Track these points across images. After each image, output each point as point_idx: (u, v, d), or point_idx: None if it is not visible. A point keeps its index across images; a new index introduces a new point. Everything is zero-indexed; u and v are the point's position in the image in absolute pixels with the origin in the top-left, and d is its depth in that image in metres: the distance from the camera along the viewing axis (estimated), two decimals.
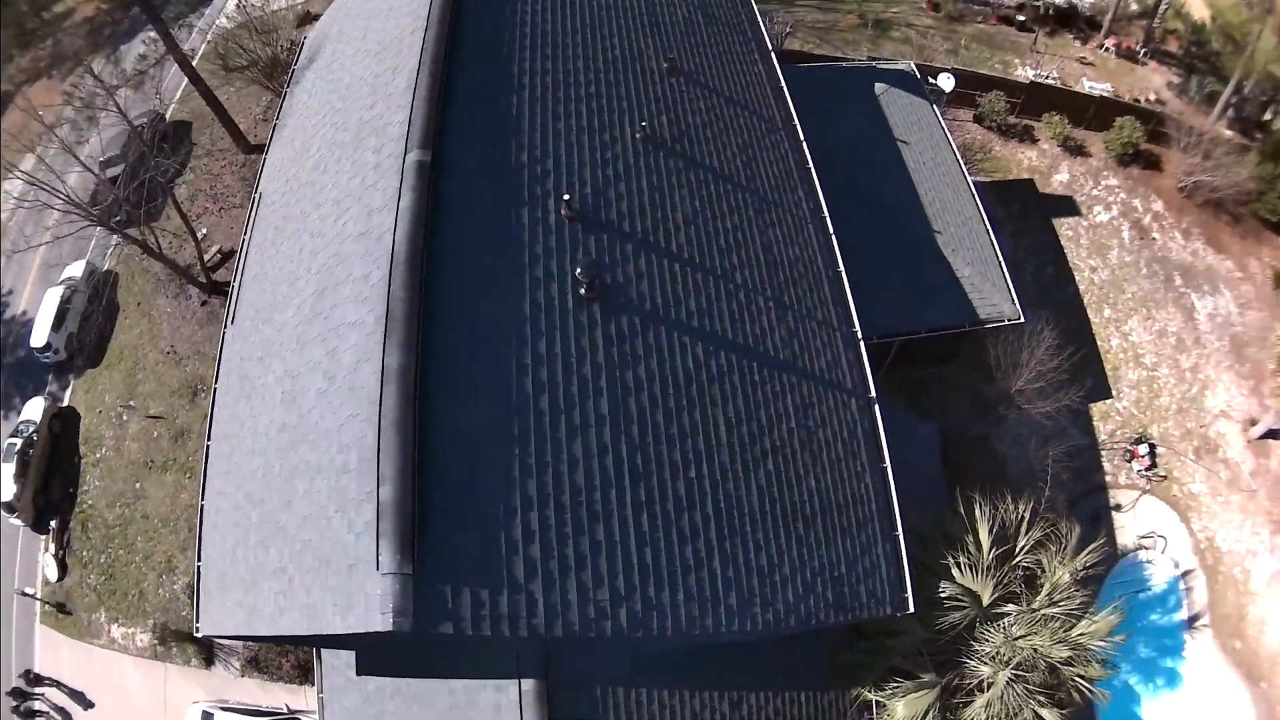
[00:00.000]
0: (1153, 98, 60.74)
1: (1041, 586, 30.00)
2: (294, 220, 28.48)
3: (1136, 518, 46.34)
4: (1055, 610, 29.26)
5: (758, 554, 23.21)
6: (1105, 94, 58.98)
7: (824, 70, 46.22)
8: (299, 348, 24.19)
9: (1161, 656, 45.11)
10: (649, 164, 27.99)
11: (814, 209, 31.15)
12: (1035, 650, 28.79)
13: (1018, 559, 30.28)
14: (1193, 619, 45.10)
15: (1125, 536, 45.67)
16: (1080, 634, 29.58)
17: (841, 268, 30.11)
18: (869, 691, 28.28)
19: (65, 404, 48.34)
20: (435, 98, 25.31)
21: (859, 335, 29.02)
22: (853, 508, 25.79)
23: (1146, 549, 45.84)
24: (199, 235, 48.97)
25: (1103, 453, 47.23)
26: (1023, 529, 30.77)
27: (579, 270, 23.54)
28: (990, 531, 29.75)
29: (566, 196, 24.75)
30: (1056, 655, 28.77)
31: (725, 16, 36.15)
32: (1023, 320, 40.08)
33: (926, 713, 27.77)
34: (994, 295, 40.04)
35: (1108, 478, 46.77)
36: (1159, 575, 46.11)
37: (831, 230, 30.90)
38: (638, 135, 28.25)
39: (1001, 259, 41.67)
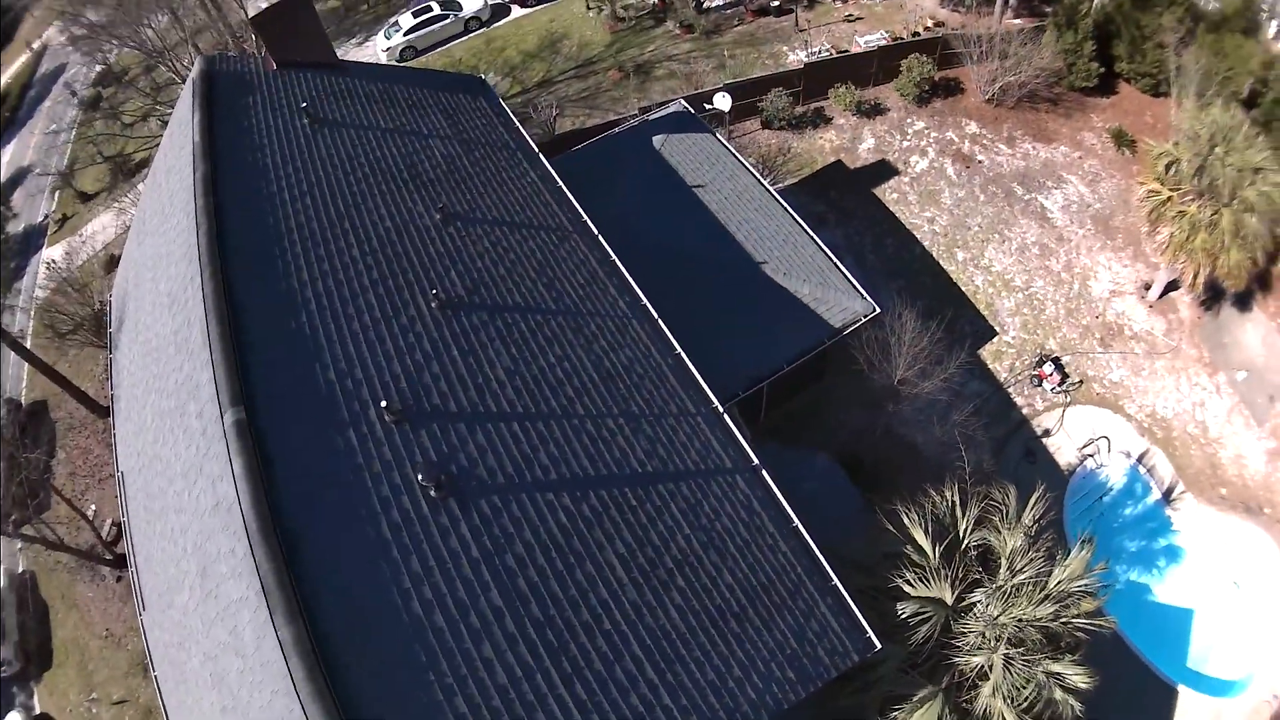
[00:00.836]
0: (930, 24, 61.52)
1: (999, 562, 30.03)
2: (157, 498, 27.38)
3: (1070, 433, 46.43)
4: (1022, 576, 29.24)
5: (702, 670, 22.81)
6: (881, 42, 59.66)
7: (597, 145, 46.10)
8: (205, 630, 23.24)
9: (1155, 544, 45.49)
10: (453, 330, 27.61)
11: (631, 302, 31.06)
12: (1019, 621, 28.75)
13: (965, 544, 30.32)
14: (1168, 494, 45.52)
15: (1067, 456, 45.72)
16: (1057, 584, 29.56)
17: (678, 349, 30.02)
18: None
19: (39, 712, 47.51)
20: (230, 348, 24.32)
21: (720, 409, 28.87)
22: (779, 580, 25.49)
23: (1093, 456, 46.02)
24: (90, 514, 48.63)
25: (1010, 391, 47.19)
26: (959, 513, 30.83)
27: (420, 476, 23.10)
28: (927, 532, 29.76)
29: (384, 403, 24.22)
30: (1043, 615, 28.78)
31: (484, 136, 36.22)
32: (878, 310, 39.64)
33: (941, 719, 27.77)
34: (842, 299, 39.36)
35: (1024, 411, 46.71)
36: (1116, 474, 46.45)
37: (655, 315, 30.85)
38: (433, 305, 27.90)
39: (836, 260, 41.37)
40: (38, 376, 55.30)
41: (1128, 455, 46.27)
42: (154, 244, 31.92)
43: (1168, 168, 45.52)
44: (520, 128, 37.71)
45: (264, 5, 33.14)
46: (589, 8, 64.18)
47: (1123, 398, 47.25)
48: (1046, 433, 46.11)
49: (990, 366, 47.55)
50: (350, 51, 65.44)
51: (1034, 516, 30.44)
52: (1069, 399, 46.83)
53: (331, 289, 27.42)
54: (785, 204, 43.14)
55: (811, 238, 41.56)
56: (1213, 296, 50.66)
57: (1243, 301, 51.22)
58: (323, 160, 31.52)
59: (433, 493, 23.07)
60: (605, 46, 62.24)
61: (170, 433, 26.51)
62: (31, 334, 59.40)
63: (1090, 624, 29.80)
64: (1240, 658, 42.87)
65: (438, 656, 20.87)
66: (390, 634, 20.94)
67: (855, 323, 38.69)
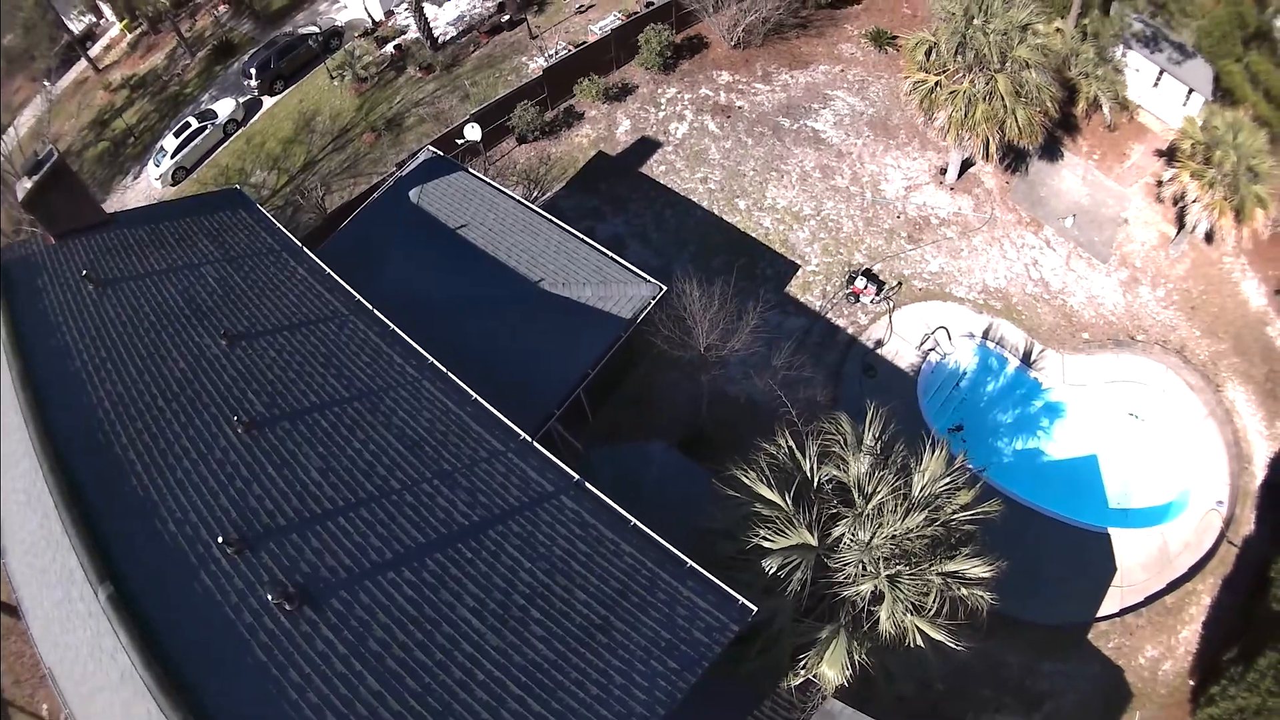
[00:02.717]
0: None
1: (852, 489, 30.97)
2: (84, 682, 26.83)
3: (904, 336, 47.61)
4: (879, 497, 30.16)
5: (584, 689, 23.72)
6: (616, 23, 60.91)
7: (359, 216, 46.44)
8: None
9: (1031, 410, 47.29)
10: (262, 448, 28.41)
11: (418, 365, 31.93)
12: (893, 539, 29.72)
13: (816, 483, 31.19)
14: (1028, 359, 47.21)
15: (908, 359, 46.90)
16: (920, 491, 30.55)
17: (474, 395, 31.00)
18: (792, 679, 29.26)
19: None
20: (84, 531, 25.18)
21: (529, 439, 29.96)
22: (633, 581, 26.52)
23: (935, 350, 47.24)
24: (44, 715, 48.66)
25: (829, 316, 48.34)
26: (799, 456, 31.64)
27: (271, 596, 24.09)
28: (770, 484, 30.53)
29: (220, 539, 25.09)
30: (915, 525, 29.71)
31: (249, 248, 36.80)
32: (663, 289, 40.27)
33: (850, 657, 28.29)
34: (626, 290, 40.37)
35: (850, 331, 47.85)
36: (965, 359, 47.89)
37: (444, 369, 31.81)
38: (239, 430, 28.68)
39: (611, 254, 42.07)
40: None
41: (972, 336, 47.70)
42: (4, 446, 32.68)
43: (927, 54, 47.22)
44: (281, 229, 38.17)
45: (29, 186, 33.73)
46: (332, 78, 64.72)
47: (948, 284, 48.81)
48: (879, 344, 47.22)
49: (803, 299, 48.75)
50: (127, 189, 65.11)
51: (874, 434, 31.22)
52: (892, 304, 48.05)
53: (149, 443, 28.32)
54: (549, 216, 44.02)
55: (582, 240, 42.47)
56: (1016, 158, 52.89)
57: (1050, 151, 53.56)
58: (113, 321, 32.18)
59: (287, 607, 23.97)
60: (356, 111, 62.82)
61: (69, 620, 27.18)
62: None
63: (972, 515, 30.75)
64: (1167, 481, 44.84)
65: None
66: None
67: (645, 308, 39.82)
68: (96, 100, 75.88)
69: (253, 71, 66.38)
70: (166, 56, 77.06)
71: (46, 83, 75.94)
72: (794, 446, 31.73)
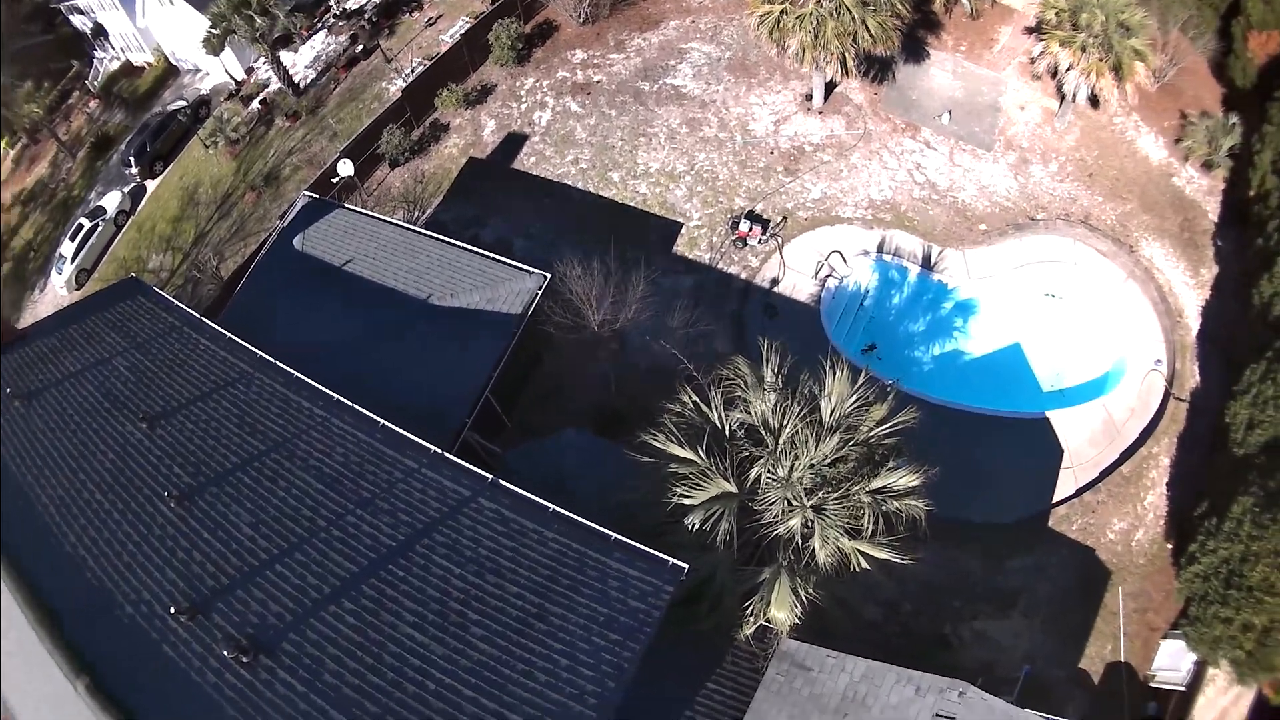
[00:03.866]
0: None
1: (760, 429, 31.54)
2: None
3: (798, 269, 48.23)
4: (788, 430, 30.67)
5: (532, 678, 24.53)
6: (466, 27, 61.49)
7: (251, 275, 46.89)
8: None
9: (943, 312, 47.93)
10: (195, 517, 29.42)
11: (325, 404, 32.85)
12: (811, 468, 30.29)
13: (728, 430, 31.67)
14: (928, 262, 47.87)
15: (807, 289, 47.57)
16: (831, 415, 31.06)
17: (381, 421, 31.91)
18: (745, 628, 29.72)
19: None
20: (54, 633, 26.86)
21: (439, 450, 30.87)
22: (561, 565, 27.35)
23: (832, 275, 47.93)
24: None
25: (720, 266, 48.95)
26: (705, 407, 32.14)
27: (227, 652, 25.14)
28: (681, 442, 30.89)
29: (172, 609, 26.35)
30: (829, 450, 30.25)
31: (153, 331, 37.62)
32: (546, 276, 40.75)
33: (796, 594, 28.64)
34: (512, 286, 40.97)
35: (744, 276, 48.48)
36: (864, 277, 48.53)
37: (349, 403, 32.87)
38: (172, 505, 29.79)
39: (490, 255, 42.79)
40: None
41: (867, 253, 48.29)
42: None
43: None
44: (180, 305, 38.86)
45: None
46: (206, 147, 64.98)
47: (834, 207, 49.46)
48: (775, 282, 47.80)
49: (691, 256, 49.38)
50: (37, 303, 65.36)
51: (773, 370, 31.54)
52: (780, 240, 48.61)
53: (94, 535, 29.57)
54: (427, 232, 44.85)
55: (462, 248, 43.27)
56: (880, 68, 53.34)
57: (915, 53, 54.13)
58: (41, 430, 33.39)
59: (244, 659, 25.12)
60: (234, 174, 63.04)
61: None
62: None
63: (890, 427, 31.20)
64: (1098, 353, 45.42)
65: None
66: None
67: (533, 299, 40.45)
68: None
69: (131, 159, 66.59)
70: (50, 164, 77.17)
71: None
72: (698, 400, 32.23)
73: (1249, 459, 36.00)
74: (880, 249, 48.60)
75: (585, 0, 58.29)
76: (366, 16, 67.22)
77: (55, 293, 64.98)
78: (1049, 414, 43.24)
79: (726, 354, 40.32)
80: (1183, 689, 36.70)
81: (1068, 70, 47.66)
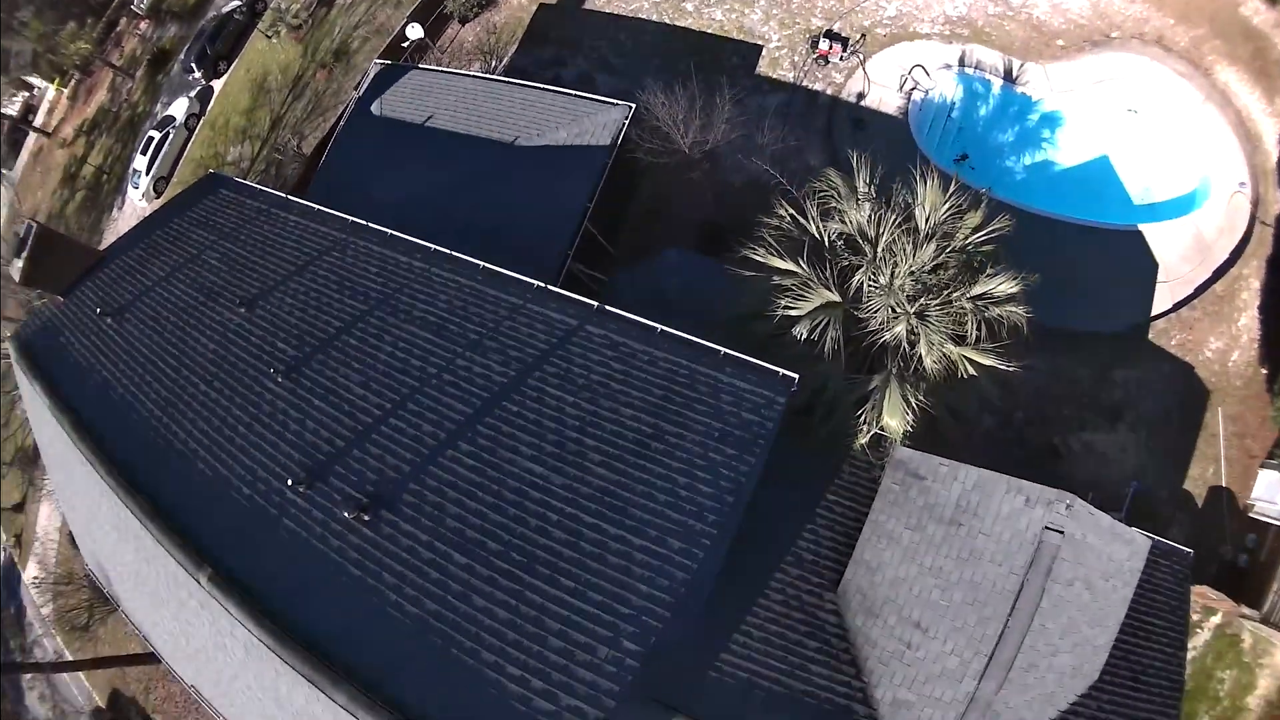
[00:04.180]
0: None
1: (858, 238, 31.54)
2: (222, 683, 30.61)
3: (882, 83, 47.75)
4: (885, 238, 30.71)
5: (652, 499, 24.76)
6: None
7: (334, 147, 47.17)
8: None
9: (1029, 124, 47.26)
10: (305, 387, 29.80)
11: (424, 255, 33.07)
12: (911, 274, 30.37)
13: (827, 241, 31.80)
14: (1010, 76, 47.01)
15: (893, 103, 47.26)
16: (925, 221, 30.99)
17: (480, 264, 32.20)
18: (861, 438, 30.10)
19: None
20: (171, 532, 27.21)
21: (541, 284, 31.16)
22: (673, 384, 27.43)
23: (917, 88, 47.41)
24: None
25: (805, 85, 48.65)
26: (802, 220, 32.21)
27: (348, 514, 25.57)
28: (781, 255, 31.13)
29: (290, 481, 26.77)
30: (927, 257, 30.36)
31: (237, 220, 37.85)
32: (631, 105, 40.96)
33: (907, 401, 29.19)
34: (598, 119, 41.02)
35: (830, 92, 48.28)
36: (949, 90, 47.87)
37: (447, 250, 33.15)
38: (279, 380, 30.21)
39: (574, 92, 43.02)
40: (95, 675, 57.58)
41: (949, 67, 47.59)
42: (81, 502, 34.83)
43: None
44: (262, 189, 39.05)
45: (20, 265, 35.39)
46: (269, 37, 64.84)
47: (910, 24, 48.58)
48: (861, 96, 47.59)
49: (775, 76, 49.21)
50: (117, 220, 66.31)
51: (865, 180, 31.41)
52: (862, 56, 48.14)
53: (204, 428, 29.95)
54: (505, 79, 45.25)
55: (544, 89, 43.51)
56: None
57: None
58: (138, 339, 33.73)
59: (365, 518, 25.62)
60: (302, 57, 63.00)
61: (190, 625, 29.38)
62: (65, 646, 61.43)
63: (985, 234, 31.10)
64: (1184, 170, 44.49)
65: (453, 626, 23.58)
66: (422, 634, 23.66)
67: (621, 130, 40.66)
68: (57, 161, 77.14)
69: (193, 65, 66.62)
70: (109, 90, 77.34)
71: (3, 170, 77.01)
72: (794, 213, 32.17)
73: None
74: (961, 63, 47.90)
75: None
76: None
77: (134, 206, 65.79)
78: (1141, 226, 43.05)
79: (819, 167, 40.89)
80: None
81: None
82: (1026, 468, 36.30)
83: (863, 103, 47.52)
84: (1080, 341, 40.28)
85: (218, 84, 67.64)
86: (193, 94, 67.77)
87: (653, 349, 28.39)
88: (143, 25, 78.83)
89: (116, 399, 32.04)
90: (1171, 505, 37.88)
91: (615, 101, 41.28)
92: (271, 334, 32.24)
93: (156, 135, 64.47)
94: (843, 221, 31.26)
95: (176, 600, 28.75)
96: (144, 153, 64.27)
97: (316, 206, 36.99)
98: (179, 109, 66.48)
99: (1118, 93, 46.57)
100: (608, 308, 29.82)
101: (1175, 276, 41.85)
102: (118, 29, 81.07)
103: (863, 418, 29.39)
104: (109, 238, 63.89)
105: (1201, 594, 35.28)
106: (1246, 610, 35.44)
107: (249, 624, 24.51)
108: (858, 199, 31.30)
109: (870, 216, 30.87)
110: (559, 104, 42.24)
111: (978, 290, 29.68)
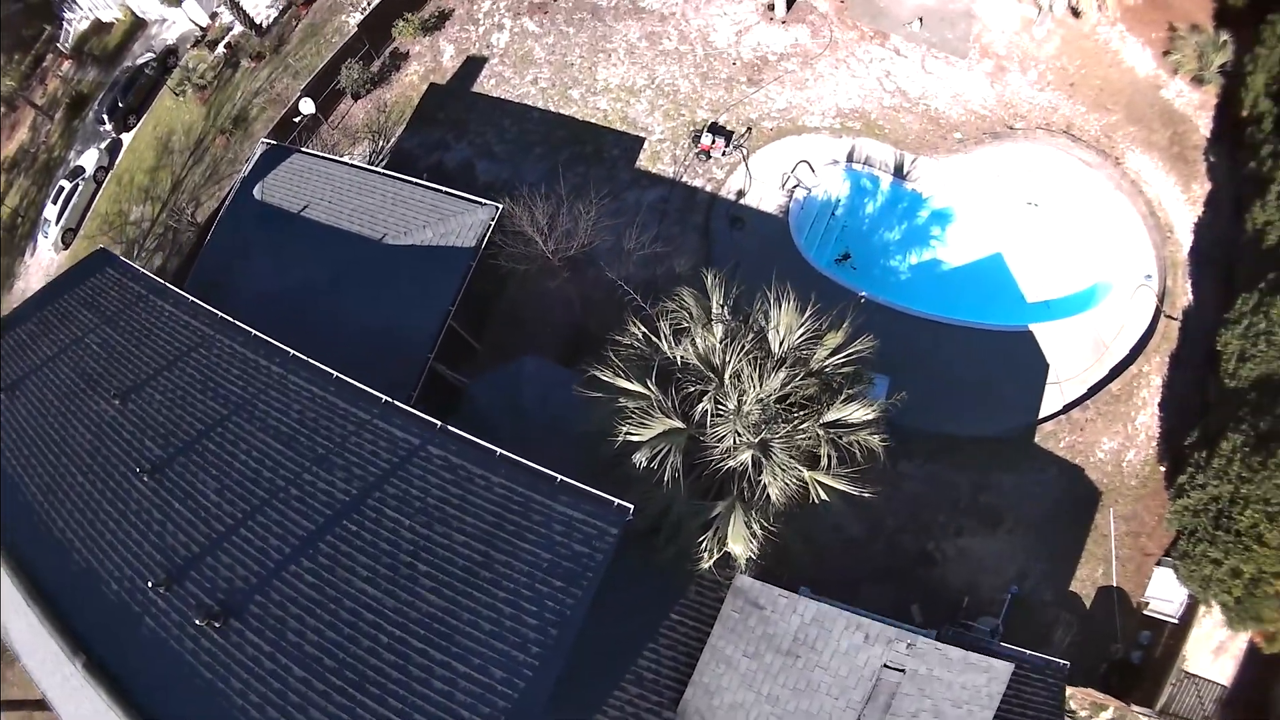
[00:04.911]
0: None
1: (703, 364, 31.05)
2: None
3: (765, 180, 48.00)
4: (733, 364, 30.35)
5: (478, 627, 25.85)
6: None
7: (216, 230, 47.76)
8: None
9: (917, 221, 47.65)
10: (166, 488, 31.15)
11: (281, 360, 33.96)
12: (761, 401, 29.94)
13: (677, 361, 31.26)
14: (900, 171, 47.43)
15: (775, 200, 47.54)
16: (779, 345, 30.93)
17: (334, 373, 32.99)
18: (707, 559, 30.17)
19: None
20: (52, 617, 28.99)
21: (390, 400, 31.91)
22: (507, 510, 28.37)
23: (799, 186, 47.70)
24: None
25: (685, 179, 49.01)
26: (658, 338, 31.60)
27: (200, 620, 26.88)
28: (629, 375, 30.94)
29: (151, 582, 28.21)
30: (779, 383, 29.92)
31: (121, 304, 38.79)
32: (499, 206, 41.38)
33: (752, 528, 28.90)
34: (464, 218, 41.97)
35: (709, 188, 48.54)
36: (835, 187, 48.17)
37: (305, 357, 33.94)
38: (145, 479, 31.42)
39: (442, 188, 43.46)
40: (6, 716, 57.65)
41: (836, 163, 47.95)
42: None
43: None
44: (145, 274, 40.01)
45: None
46: (176, 94, 65.38)
47: (800, 116, 49.22)
48: (741, 194, 47.78)
49: (655, 170, 49.48)
50: (29, 267, 66.31)
51: (719, 301, 31.44)
52: (745, 151, 48.40)
53: (79, 518, 31.57)
54: (380, 170, 46.07)
55: (413, 183, 44.17)
56: None
57: None
58: (25, 419, 35.26)
59: (216, 625, 26.98)
60: (204, 119, 63.61)
61: (78, 694, 29.25)
62: None
63: (845, 356, 30.82)
64: (1085, 265, 44.63)
65: None
66: None
67: (486, 231, 41.48)
68: None
69: (104, 116, 66.97)
70: (29, 129, 77.39)
71: None
72: (646, 331, 32.16)
73: (1240, 392, 35.70)
74: (850, 158, 48.22)
75: None
76: None
77: (44, 255, 65.91)
78: (1033, 327, 42.88)
79: (685, 274, 41.03)
80: (1175, 621, 36.96)
81: None
82: (895, 577, 37.82)
83: (743, 200, 47.64)
84: (960, 446, 40.23)
85: (127, 137, 68.01)
86: (103, 145, 68.14)
87: (490, 474, 29.28)
88: (65, 65, 79.13)
89: (4, 477, 33.56)
90: (1057, 607, 37.95)
91: (482, 202, 42.09)
92: (141, 431, 33.32)
93: (67, 186, 64.77)
94: (693, 344, 31.06)
95: (61, 674, 29.75)
96: (55, 201, 64.46)
97: (190, 298, 37.82)
98: (89, 160, 67.00)
99: (1018, 186, 46.76)
100: (449, 428, 30.68)
101: (1068, 376, 41.97)
102: (43, 65, 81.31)
103: (704, 545, 29.49)
104: (19, 285, 64.76)
105: (1088, 694, 35.93)
106: (1138, 709, 35.92)
107: (118, 712, 26.14)
108: (710, 320, 31.34)
109: (721, 340, 30.84)
110: (428, 201, 43.08)
111: (831, 417, 29.74)
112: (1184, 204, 44.79)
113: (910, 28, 50.83)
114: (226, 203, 48.24)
